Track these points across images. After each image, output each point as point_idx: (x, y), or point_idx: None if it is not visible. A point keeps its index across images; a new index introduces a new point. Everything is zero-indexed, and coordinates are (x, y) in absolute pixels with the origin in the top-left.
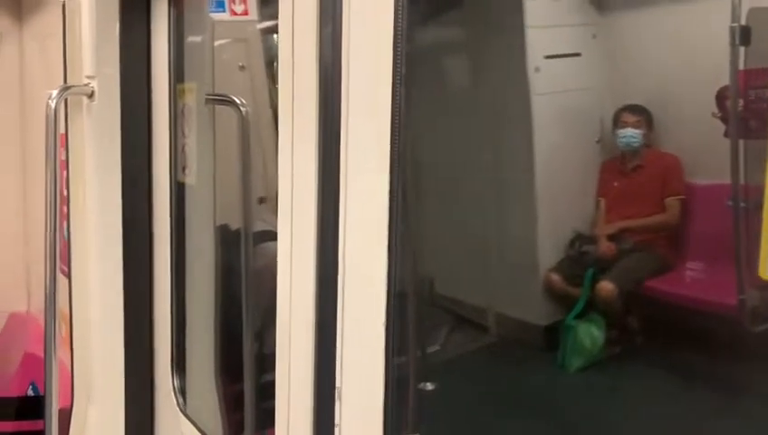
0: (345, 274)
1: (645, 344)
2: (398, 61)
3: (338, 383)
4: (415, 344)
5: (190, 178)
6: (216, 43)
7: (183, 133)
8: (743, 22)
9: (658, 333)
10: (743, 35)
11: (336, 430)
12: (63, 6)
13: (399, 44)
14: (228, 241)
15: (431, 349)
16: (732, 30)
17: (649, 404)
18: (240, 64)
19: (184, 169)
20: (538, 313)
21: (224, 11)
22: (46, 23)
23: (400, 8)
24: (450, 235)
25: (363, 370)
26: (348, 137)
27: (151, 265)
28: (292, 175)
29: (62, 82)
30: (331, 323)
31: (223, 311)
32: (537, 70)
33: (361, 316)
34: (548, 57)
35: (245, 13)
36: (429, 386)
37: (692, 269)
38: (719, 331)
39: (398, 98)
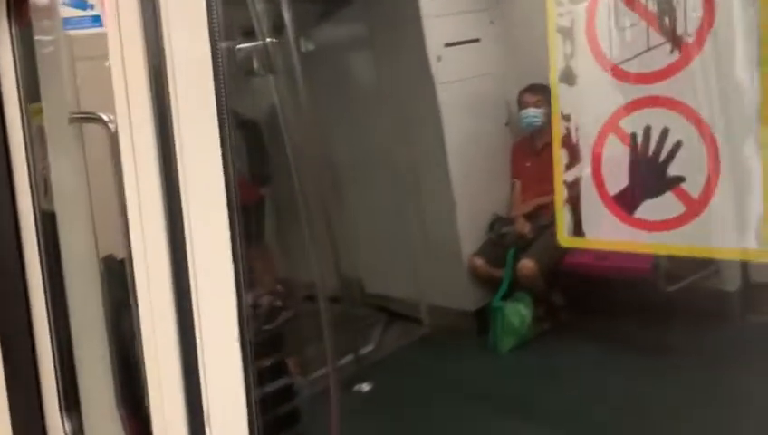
0: (198, 293)
1: (572, 317)
2: (218, 62)
3: (205, 407)
4: (332, 349)
5: (58, 205)
6: (97, 57)
7: (42, 156)
8: None
9: (583, 304)
10: None
11: None
12: None
13: (217, 39)
14: (115, 271)
15: (365, 350)
16: None
17: (583, 375)
18: None
19: (46, 195)
20: (466, 298)
21: (100, 25)
22: None
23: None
24: (372, 233)
25: (224, 389)
26: (182, 144)
27: (28, 305)
28: (138, 189)
29: None
30: (191, 342)
31: (117, 341)
32: (439, 59)
33: (216, 334)
34: (448, 45)
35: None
36: (365, 387)
37: None
38: (638, 295)
39: (222, 104)
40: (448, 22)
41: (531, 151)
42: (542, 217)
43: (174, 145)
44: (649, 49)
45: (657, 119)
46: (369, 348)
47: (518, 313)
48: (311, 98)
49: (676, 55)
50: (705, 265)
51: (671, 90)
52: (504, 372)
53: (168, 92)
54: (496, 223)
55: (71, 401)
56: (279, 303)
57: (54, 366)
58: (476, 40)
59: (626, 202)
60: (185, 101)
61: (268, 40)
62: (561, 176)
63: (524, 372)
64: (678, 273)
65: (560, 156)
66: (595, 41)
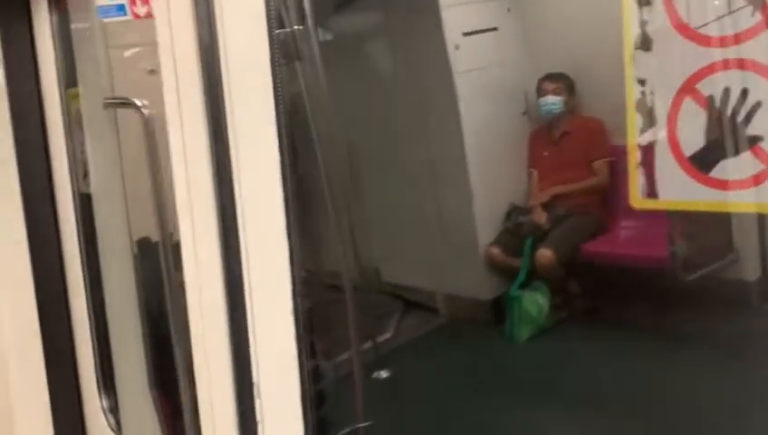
0: (250, 270)
1: (589, 306)
2: (274, 48)
3: (255, 380)
4: (356, 335)
5: (94, 187)
6: (120, 47)
7: (80, 140)
8: None
9: (601, 293)
10: None
11: (259, 426)
12: None
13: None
14: (150, 253)
15: (382, 337)
16: None
17: (600, 364)
18: (149, 68)
19: (86, 178)
20: (483, 288)
21: (124, 14)
22: None
23: None
24: (390, 221)
25: (277, 363)
26: (236, 134)
27: (65, 284)
28: (187, 175)
29: None
30: (241, 319)
31: (150, 324)
32: (457, 48)
33: (269, 310)
34: (466, 34)
35: (149, 15)
36: (384, 374)
37: (625, 228)
38: (656, 284)
39: (279, 91)
40: (466, 11)
41: (548, 141)
42: (560, 207)
43: (227, 136)
44: (731, 12)
45: (736, 80)
46: (387, 336)
47: (535, 302)
48: (329, 87)
49: (758, 17)
50: (724, 254)
51: (753, 52)
52: (521, 361)
53: (221, 80)
54: (513, 212)
55: (107, 379)
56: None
57: (92, 344)
58: (494, 29)
59: (702, 163)
60: (239, 89)
61: (295, 27)
62: (634, 139)
63: (542, 360)
64: (697, 262)
65: (634, 120)
66: (672, 7)
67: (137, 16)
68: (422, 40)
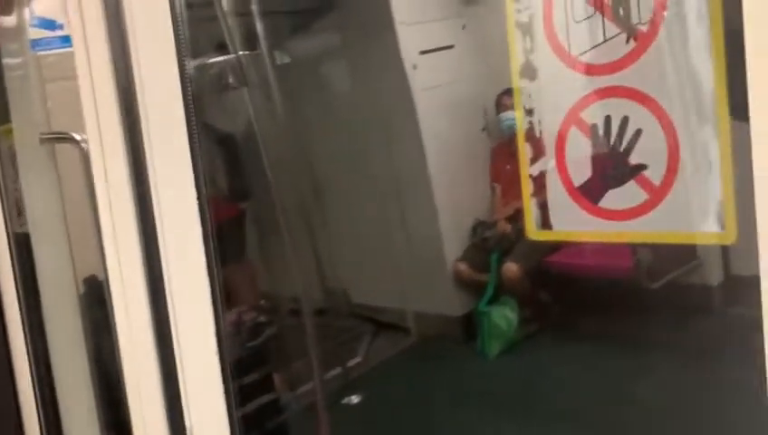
0: (175, 314)
1: (558, 318)
2: (185, 79)
3: (188, 426)
4: (318, 365)
5: (32, 226)
6: (67, 78)
7: (13, 178)
8: None
9: (568, 305)
10: None
11: None
12: None
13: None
14: (97, 292)
15: (353, 361)
16: None
17: (573, 375)
18: None
19: (20, 216)
20: (452, 304)
21: (70, 45)
22: None
23: (179, 19)
24: (356, 242)
25: (207, 408)
26: (154, 163)
27: (5, 333)
28: (111, 210)
29: None
30: (171, 362)
31: (99, 368)
32: (414, 67)
33: (196, 352)
34: (423, 53)
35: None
36: (355, 399)
37: None
38: (622, 292)
39: (191, 116)
40: (422, 29)
41: (510, 154)
42: (524, 220)
43: (146, 165)
44: (606, 40)
45: (616, 109)
46: (357, 359)
47: (504, 316)
48: (288, 109)
49: (632, 45)
50: (687, 260)
51: (629, 79)
52: (493, 377)
53: (138, 112)
54: (478, 227)
55: (52, 430)
56: (263, 318)
57: (34, 392)
58: (450, 46)
59: (590, 193)
60: (155, 119)
61: (240, 53)
62: (526, 169)
63: (514, 375)
64: (661, 269)
65: (524, 150)
66: (553, 35)
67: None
68: (380, 60)
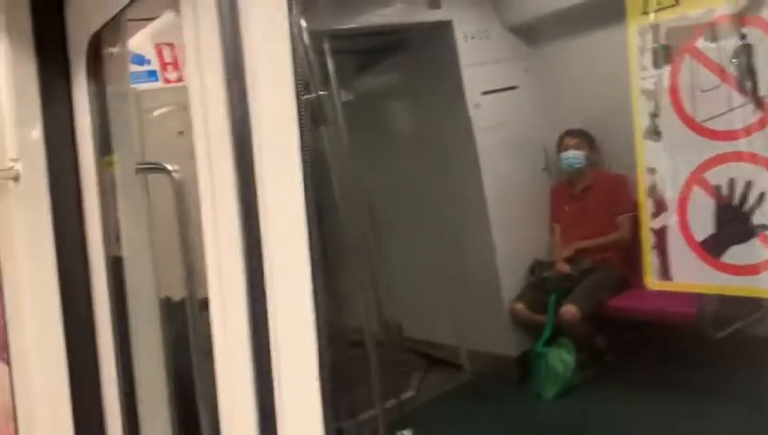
0: (277, 338)
1: (616, 363)
2: (302, 110)
3: None
4: (380, 395)
5: (126, 251)
6: (149, 110)
7: (114, 206)
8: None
9: (628, 350)
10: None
11: None
12: None
13: (301, 92)
14: (171, 314)
15: (406, 395)
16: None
17: (629, 423)
18: (179, 130)
19: (118, 242)
20: (508, 344)
21: (156, 79)
22: None
23: (300, 57)
24: (413, 277)
25: (303, 427)
26: (265, 194)
27: (95, 346)
28: (216, 233)
29: None
30: (267, 388)
31: (176, 383)
32: (477, 106)
33: (295, 378)
34: (485, 93)
35: (179, 80)
36: (407, 433)
37: None
38: (684, 340)
39: (306, 156)
40: (485, 71)
41: (570, 195)
42: (583, 262)
43: (257, 200)
44: (733, 109)
45: (741, 172)
46: (410, 393)
47: (562, 359)
48: (353, 145)
49: (759, 114)
50: (753, 310)
51: (755, 145)
52: (548, 420)
53: (251, 147)
54: (537, 267)
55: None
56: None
57: (120, 406)
58: (513, 87)
59: (713, 248)
60: (269, 156)
61: (320, 92)
62: (648, 223)
63: (569, 419)
64: (726, 319)
65: (646, 205)
66: (679, 101)
67: (167, 81)
68: (443, 99)
